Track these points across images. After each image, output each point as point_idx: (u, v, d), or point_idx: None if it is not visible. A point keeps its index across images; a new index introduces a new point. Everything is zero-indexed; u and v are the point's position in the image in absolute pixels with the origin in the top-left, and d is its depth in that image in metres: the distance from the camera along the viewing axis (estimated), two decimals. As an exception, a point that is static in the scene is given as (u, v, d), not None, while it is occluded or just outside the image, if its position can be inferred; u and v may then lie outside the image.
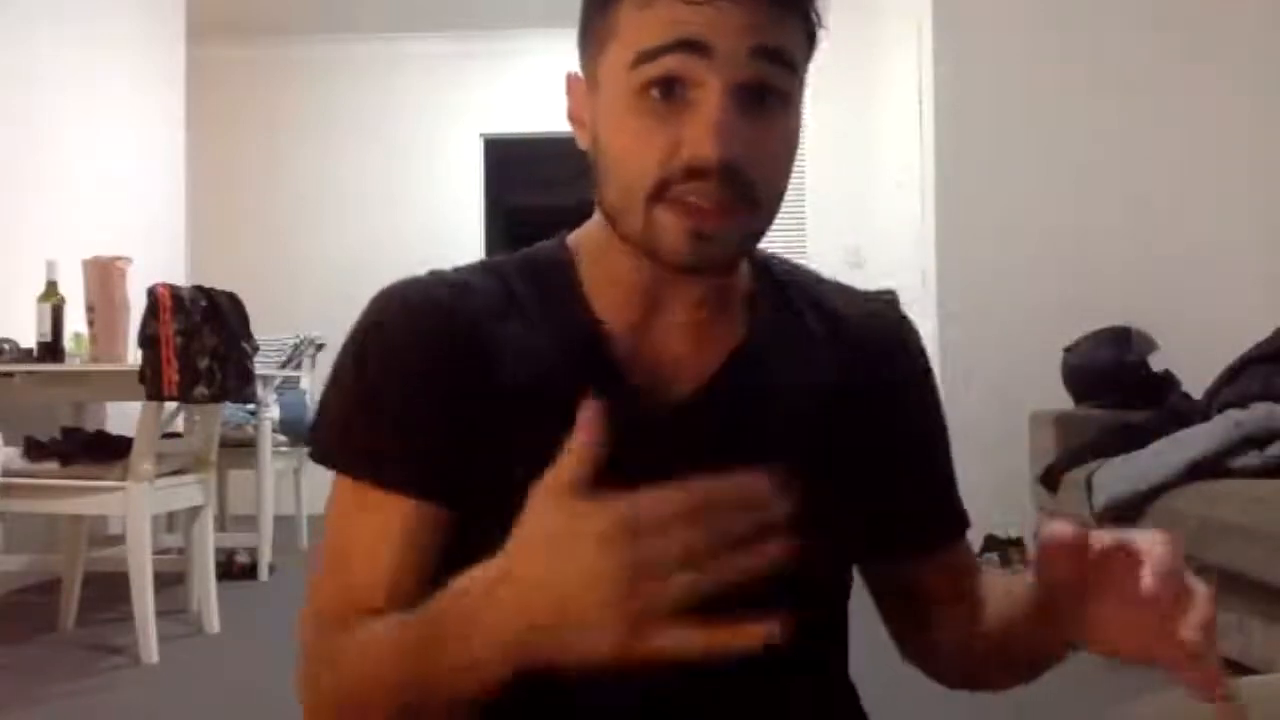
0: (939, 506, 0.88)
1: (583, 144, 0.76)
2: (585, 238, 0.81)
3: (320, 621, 0.79)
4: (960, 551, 0.89)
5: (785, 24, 0.70)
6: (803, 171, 5.20)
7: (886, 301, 0.90)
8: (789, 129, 0.73)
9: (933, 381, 0.88)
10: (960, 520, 0.89)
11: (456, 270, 0.81)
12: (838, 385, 0.80)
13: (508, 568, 0.60)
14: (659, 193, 0.70)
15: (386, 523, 0.73)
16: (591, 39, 0.74)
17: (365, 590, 0.73)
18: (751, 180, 0.70)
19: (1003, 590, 0.85)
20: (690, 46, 0.68)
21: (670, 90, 0.69)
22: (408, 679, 0.66)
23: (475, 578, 0.62)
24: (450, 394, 0.75)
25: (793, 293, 0.83)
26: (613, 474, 0.57)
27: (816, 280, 0.86)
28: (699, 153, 0.68)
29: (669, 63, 0.68)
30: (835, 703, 0.88)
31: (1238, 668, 2.34)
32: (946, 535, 0.88)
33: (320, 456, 0.78)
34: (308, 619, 0.81)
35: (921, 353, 0.88)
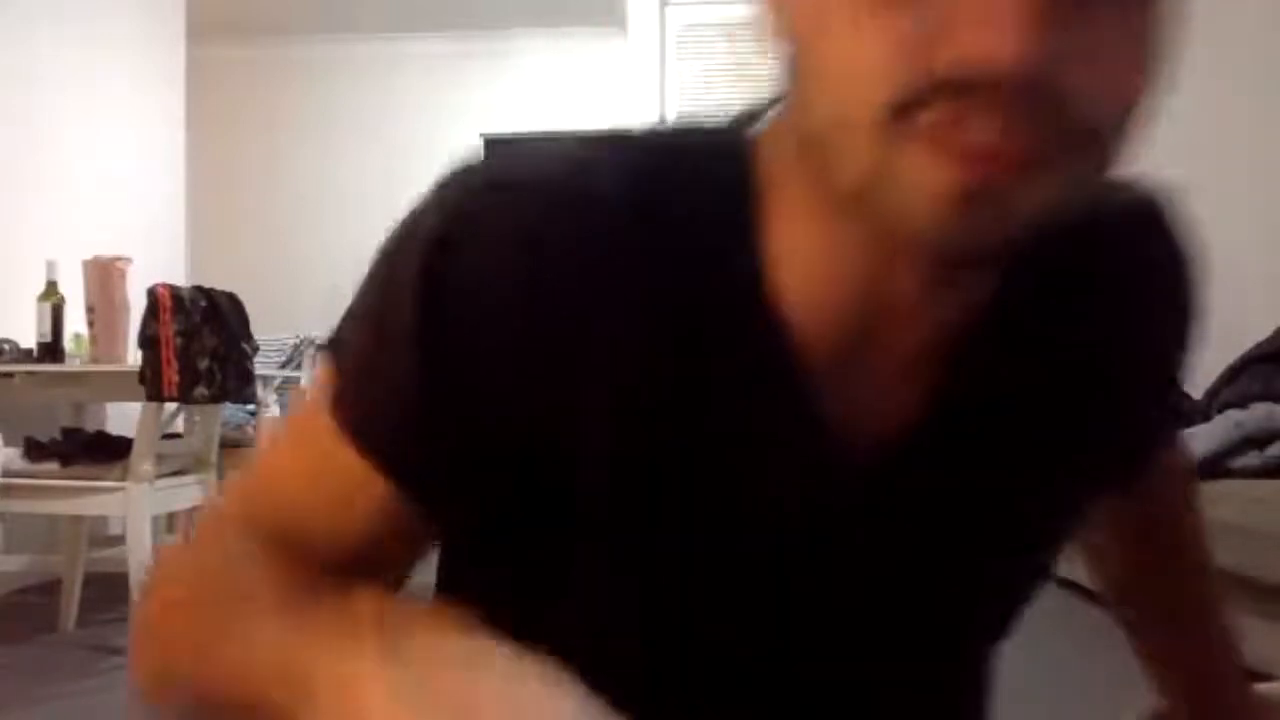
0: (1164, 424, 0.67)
1: (772, 45, 0.45)
2: (778, 168, 0.48)
3: (219, 532, 0.55)
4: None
5: None
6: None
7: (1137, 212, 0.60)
8: (1148, 11, 0.42)
9: (1195, 293, 0.61)
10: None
11: (583, 168, 0.49)
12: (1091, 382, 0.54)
13: None
14: (903, 116, 0.39)
15: (365, 501, 0.50)
16: None
17: (302, 546, 0.50)
18: (1074, 100, 0.39)
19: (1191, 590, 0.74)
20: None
21: None
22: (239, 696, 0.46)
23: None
24: (537, 398, 0.47)
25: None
26: (788, 552, 0.46)
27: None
28: (977, 51, 0.37)
29: None
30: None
31: (1238, 668, 2.34)
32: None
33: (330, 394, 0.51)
34: (206, 523, 0.64)
35: (1183, 266, 0.61)
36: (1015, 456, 0.52)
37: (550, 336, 0.46)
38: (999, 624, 0.59)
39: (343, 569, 0.49)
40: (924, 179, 0.40)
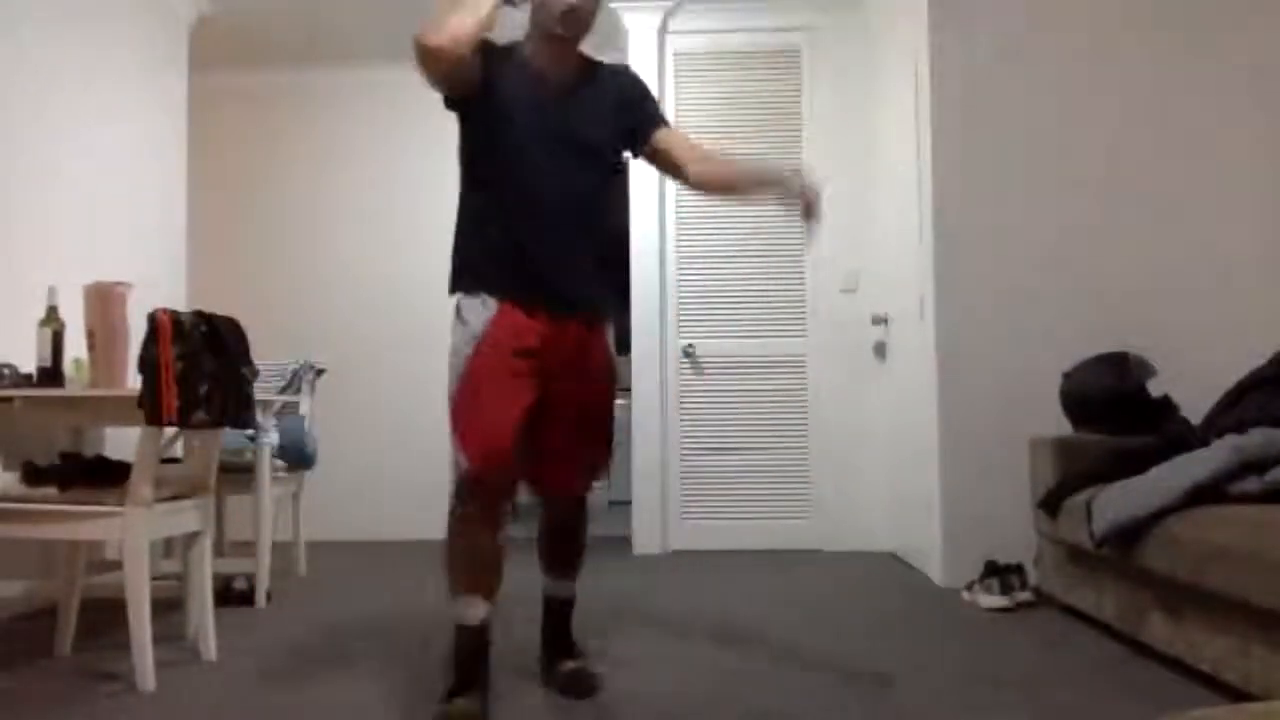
0: (648, 122, 2.55)
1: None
2: (532, 34, 2.47)
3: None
4: (661, 136, 2.55)
5: None
6: (801, 197, 5.22)
7: (625, 68, 2.66)
8: None
9: (637, 76, 2.64)
10: (661, 120, 2.57)
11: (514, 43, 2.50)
12: (613, 95, 2.52)
13: None
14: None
15: None
16: None
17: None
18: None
19: (723, 163, 2.66)
20: None
21: None
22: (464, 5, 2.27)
23: None
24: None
25: (598, 65, 2.55)
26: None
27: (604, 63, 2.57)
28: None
29: None
30: (614, 205, 2.56)
31: (1239, 694, 2.33)
32: (652, 129, 2.55)
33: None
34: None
35: (634, 73, 2.65)
36: (599, 108, 2.48)
37: (486, 53, 2.39)
38: (607, 175, 2.51)
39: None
40: (557, 6, 2.37)
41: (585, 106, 2.45)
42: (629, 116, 2.51)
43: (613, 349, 2.56)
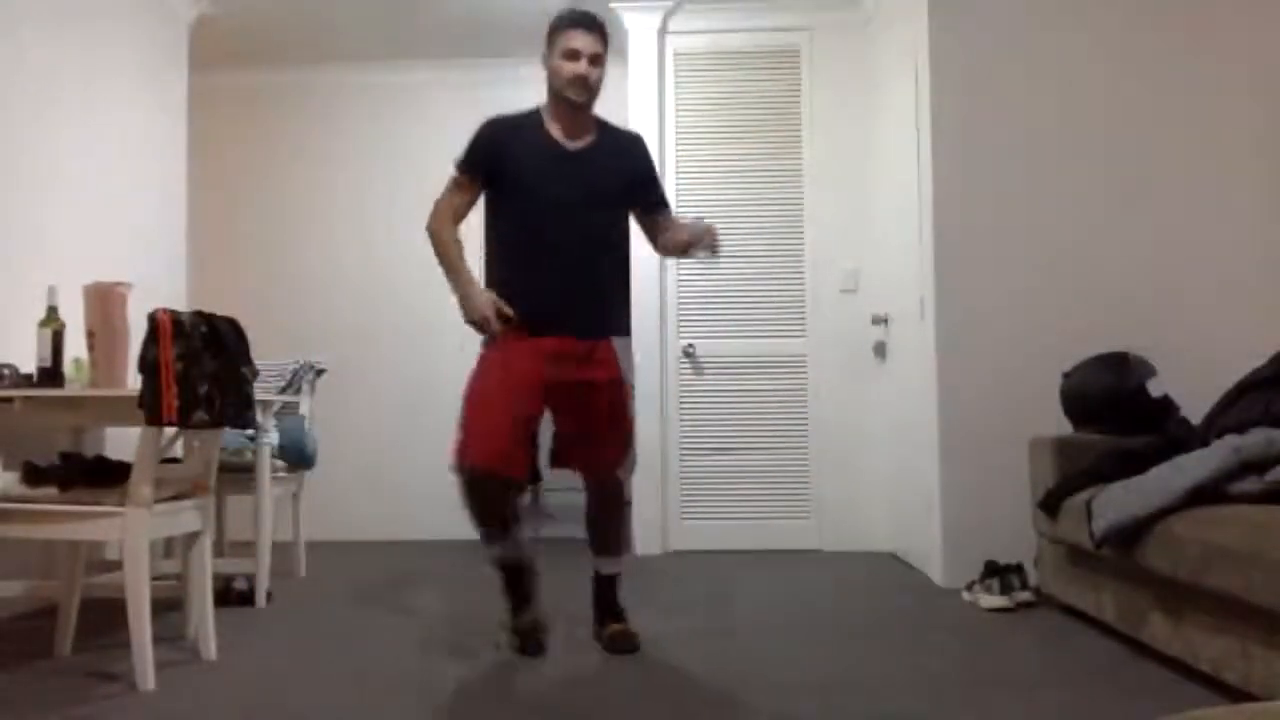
0: (653, 198, 3.16)
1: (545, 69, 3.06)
2: (546, 102, 3.07)
3: (438, 207, 3.07)
4: (660, 215, 3.17)
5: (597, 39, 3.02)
6: (802, 198, 5.23)
7: (633, 133, 3.27)
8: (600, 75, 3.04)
9: (646, 148, 3.20)
10: (663, 204, 3.20)
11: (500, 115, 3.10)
12: (626, 163, 3.12)
13: (466, 293, 2.95)
14: (569, 58, 2.98)
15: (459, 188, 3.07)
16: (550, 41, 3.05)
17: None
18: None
19: (674, 231, 3.11)
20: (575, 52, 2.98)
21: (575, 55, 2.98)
22: (441, 261, 3.01)
23: (470, 283, 2.97)
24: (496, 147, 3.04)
25: (610, 127, 3.13)
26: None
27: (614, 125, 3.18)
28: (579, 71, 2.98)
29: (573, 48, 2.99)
30: (618, 257, 3.14)
31: (1239, 694, 2.33)
32: (655, 207, 3.16)
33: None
34: (441, 201, 3.07)
35: (644, 144, 3.21)
36: (608, 165, 3.04)
37: (494, 137, 3.04)
38: (614, 215, 3.07)
39: (458, 215, 3.06)
40: (566, 72, 2.98)
41: (597, 164, 3.01)
42: (641, 191, 3.13)
43: (622, 350, 3.05)
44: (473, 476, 2.82)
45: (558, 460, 3.08)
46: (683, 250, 3.01)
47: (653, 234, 3.17)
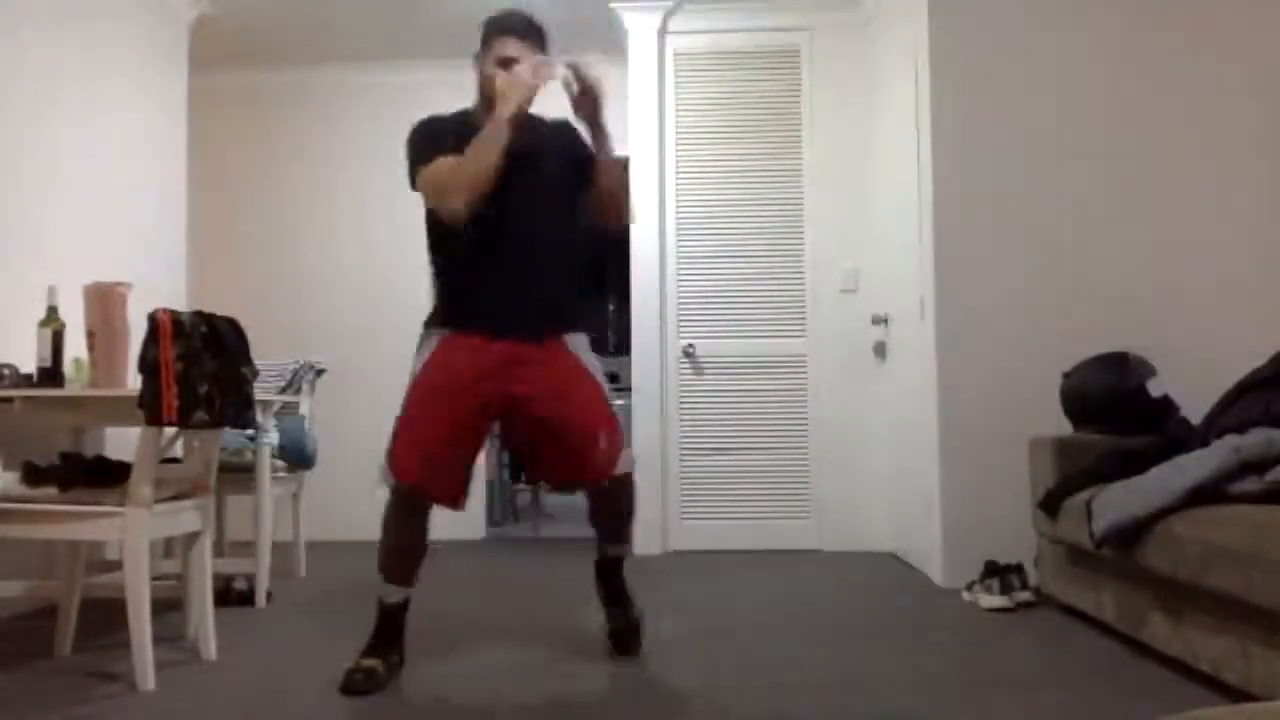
0: (588, 161, 2.83)
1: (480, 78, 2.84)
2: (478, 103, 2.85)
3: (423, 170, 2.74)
4: (599, 174, 2.86)
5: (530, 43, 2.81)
6: (802, 198, 5.23)
7: (562, 119, 2.85)
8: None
9: (576, 129, 2.83)
10: (592, 163, 2.84)
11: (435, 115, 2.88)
12: (560, 146, 2.86)
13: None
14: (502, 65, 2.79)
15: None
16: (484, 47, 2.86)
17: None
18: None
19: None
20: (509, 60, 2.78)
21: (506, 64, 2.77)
22: (468, 162, 2.65)
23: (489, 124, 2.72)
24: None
25: (538, 119, 2.84)
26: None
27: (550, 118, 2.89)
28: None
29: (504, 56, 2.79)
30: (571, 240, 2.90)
31: (1239, 694, 2.33)
32: (591, 172, 2.85)
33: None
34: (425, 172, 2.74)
35: (573, 126, 2.83)
36: (547, 159, 2.81)
37: (441, 130, 2.79)
38: (560, 209, 2.84)
39: None
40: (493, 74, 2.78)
41: (535, 159, 2.77)
42: (584, 171, 2.84)
43: (580, 348, 2.84)
44: (399, 494, 2.69)
45: (535, 478, 2.99)
46: (593, 140, 2.80)
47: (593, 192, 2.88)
